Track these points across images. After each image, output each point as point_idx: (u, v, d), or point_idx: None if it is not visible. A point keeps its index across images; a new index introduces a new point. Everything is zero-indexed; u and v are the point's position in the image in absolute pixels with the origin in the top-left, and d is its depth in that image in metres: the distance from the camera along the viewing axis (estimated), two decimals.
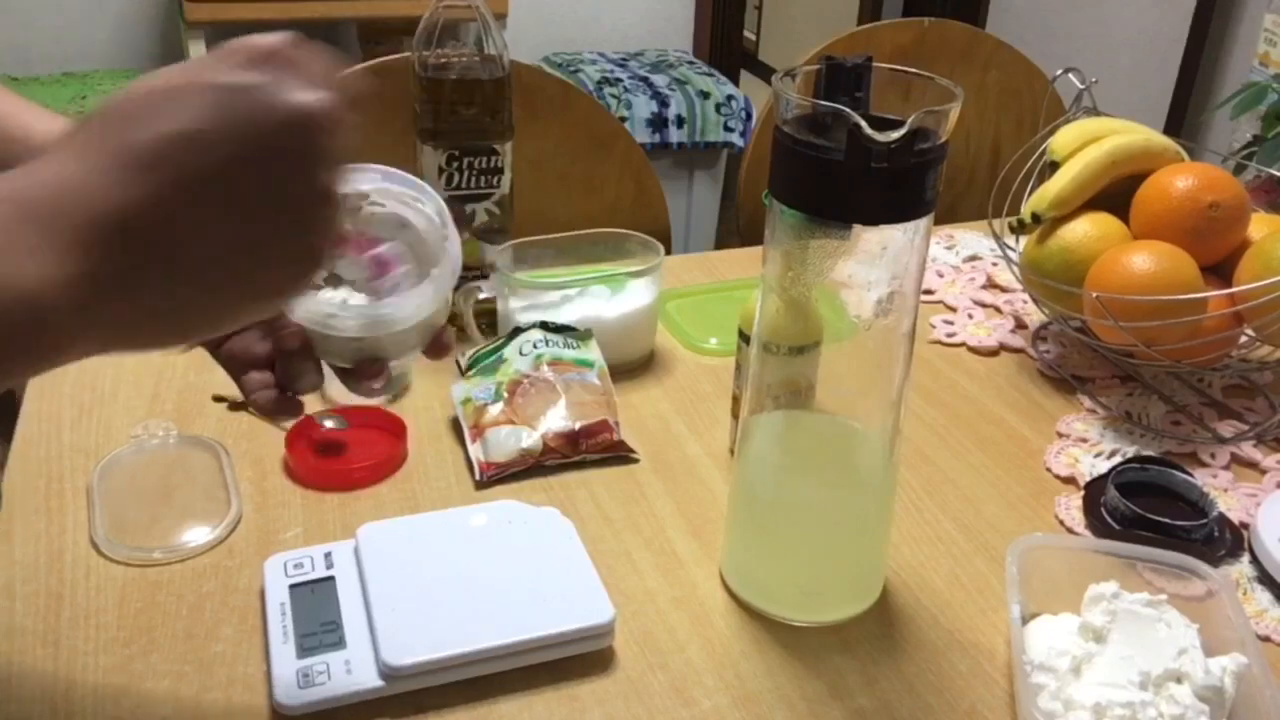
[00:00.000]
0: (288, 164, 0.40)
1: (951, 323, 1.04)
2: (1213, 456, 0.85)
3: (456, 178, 0.91)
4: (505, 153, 0.92)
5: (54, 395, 0.85)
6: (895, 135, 0.52)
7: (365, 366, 0.53)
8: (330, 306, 0.52)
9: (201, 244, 0.40)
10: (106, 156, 0.38)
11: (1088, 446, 0.86)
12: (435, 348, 0.55)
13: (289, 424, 0.64)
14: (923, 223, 0.57)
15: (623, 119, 2.58)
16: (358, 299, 0.53)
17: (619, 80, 2.74)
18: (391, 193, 0.54)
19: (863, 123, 0.52)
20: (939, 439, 0.86)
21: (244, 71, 0.40)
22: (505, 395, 0.82)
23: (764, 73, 4.00)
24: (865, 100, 0.56)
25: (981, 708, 0.62)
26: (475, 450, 0.79)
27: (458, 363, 0.88)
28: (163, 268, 0.39)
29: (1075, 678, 0.60)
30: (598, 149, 1.30)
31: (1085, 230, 0.90)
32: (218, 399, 0.85)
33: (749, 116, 2.74)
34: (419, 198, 0.54)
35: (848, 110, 0.52)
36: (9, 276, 0.36)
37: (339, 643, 0.61)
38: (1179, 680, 0.59)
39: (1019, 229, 0.95)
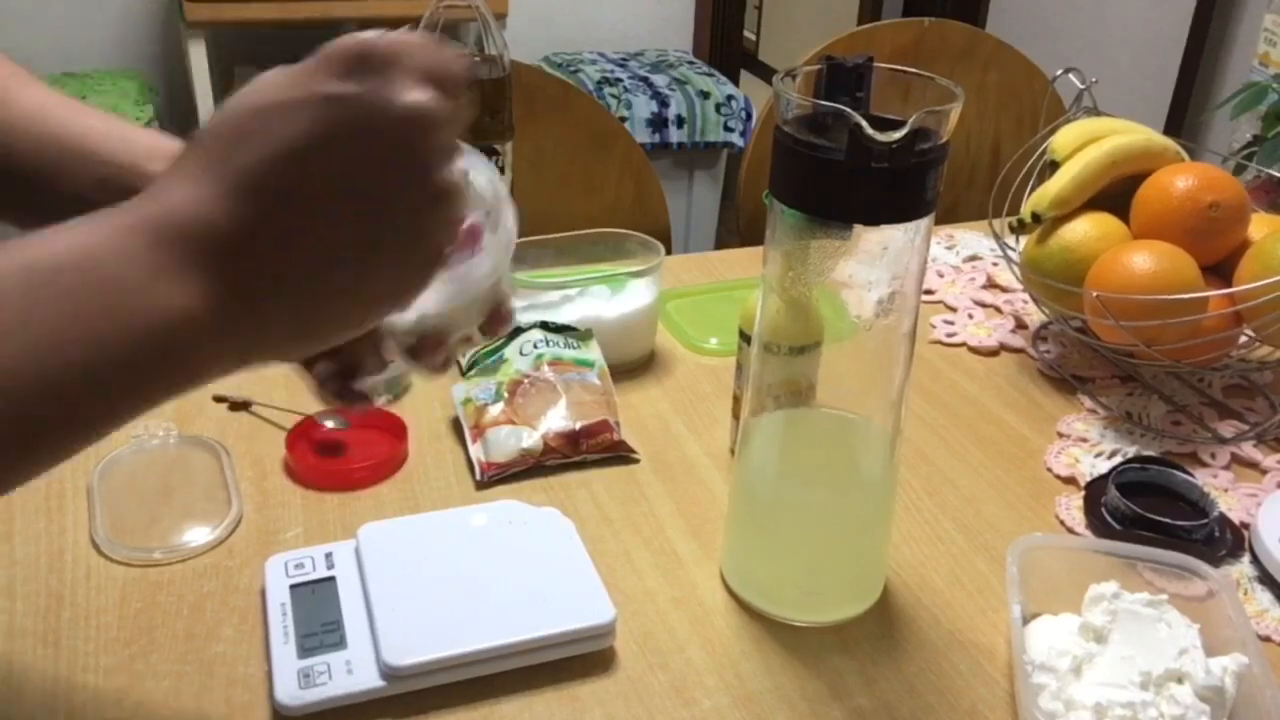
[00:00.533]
0: (398, 170, 0.40)
1: (952, 323, 1.04)
2: (1213, 456, 0.85)
3: None
4: (506, 153, 0.92)
5: None
6: (896, 135, 0.52)
7: (427, 343, 0.52)
8: None
9: (321, 257, 0.40)
10: (219, 180, 0.38)
11: (1088, 446, 0.86)
12: (495, 320, 0.54)
13: (357, 413, 0.62)
14: (923, 223, 0.57)
15: (623, 119, 2.58)
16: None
17: (619, 80, 2.74)
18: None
19: (863, 123, 0.52)
20: (939, 439, 0.86)
21: (344, 79, 0.39)
22: (505, 395, 0.82)
23: (764, 73, 4.00)
24: (866, 100, 0.56)
25: (982, 708, 0.62)
26: (476, 450, 0.79)
27: (458, 363, 0.88)
28: (286, 283, 0.39)
29: (1076, 678, 0.60)
30: (598, 149, 1.30)
31: (1085, 230, 0.90)
32: (218, 399, 0.85)
33: (749, 116, 2.74)
34: (475, 165, 0.53)
35: (849, 110, 0.52)
36: (152, 304, 0.37)
37: (340, 643, 0.61)
38: (1180, 680, 0.59)
39: (1019, 229, 0.95)
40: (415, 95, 0.40)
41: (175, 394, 0.39)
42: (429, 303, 0.51)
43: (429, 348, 0.52)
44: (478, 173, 0.53)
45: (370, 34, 0.40)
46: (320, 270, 0.40)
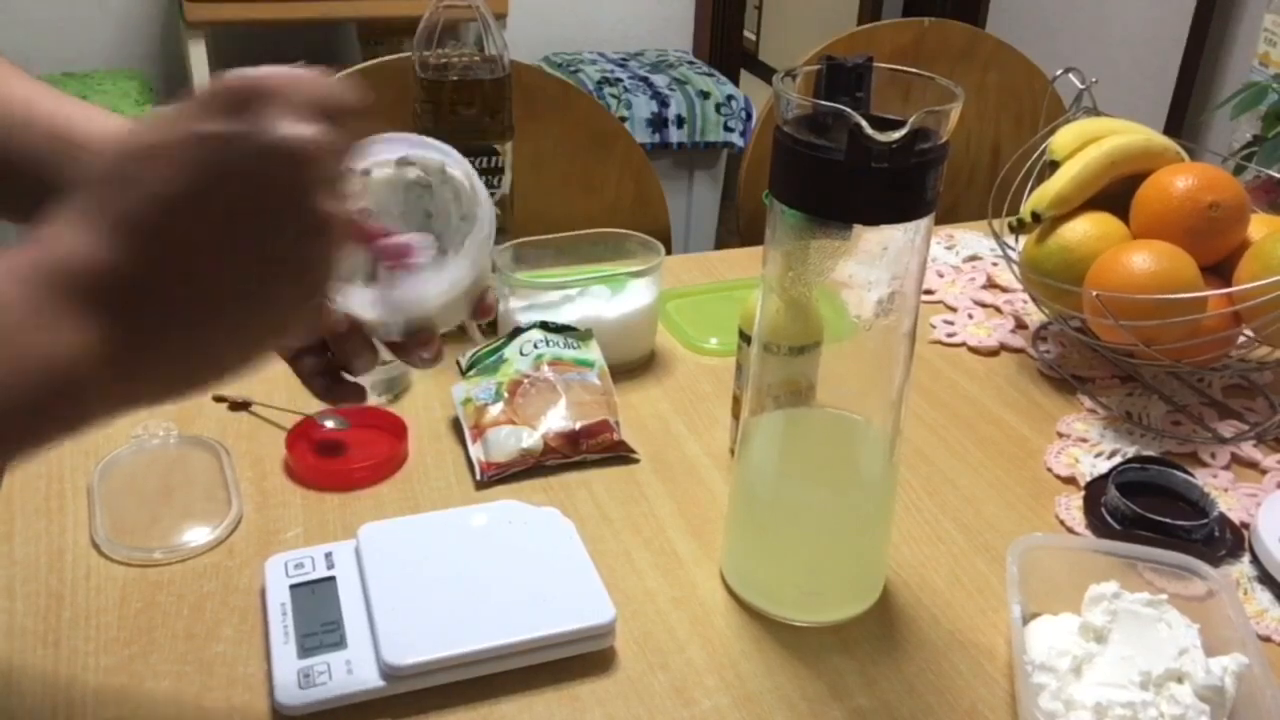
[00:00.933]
0: (277, 203, 0.40)
1: (952, 323, 1.04)
2: (1213, 456, 0.85)
3: None
4: (505, 153, 0.92)
5: None
6: (896, 135, 0.52)
7: (416, 339, 0.53)
8: (364, 306, 0.51)
9: (207, 296, 0.40)
10: (105, 226, 0.39)
11: (1088, 446, 0.86)
12: (480, 312, 0.55)
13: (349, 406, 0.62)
14: (923, 223, 0.57)
15: (623, 119, 2.58)
16: (386, 290, 0.52)
17: (619, 80, 2.74)
18: (418, 159, 0.53)
19: (863, 123, 0.52)
20: (939, 439, 0.86)
21: (224, 118, 0.39)
22: (505, 395, 0.82)
23: (764, 73, 4.00)
24: (866, 100, 0.56)
25: (982, 708, 0.62)
26: (476, 450, 0.79)
27: (458, 363, 0.88)
28: (175, 323, 0.40)
29: (1076, 678, 0.60)
30: (598, 149, 1.30)
31: (1085, 230, 0.90)
32: (218, 399, 0.85)
33: (749, 116, 2.74)
34: (446, 161, 0.54)
35: (848, 110, 0.52)
36: (40, 351, 0.37)
37: (340, 643, 0.61)
38: (1180, 680, 0.59)
39: (1019, 228, 0.95)
40: (287, 129, 0.39)
41: (70, 433, 0.40)
42: (412, 303, 0.51)
43: (418, 344, 0.53)
44: (455, 169, 0.53)
45: (255, 71, 0.40)
46: (207, 308, 0.40)
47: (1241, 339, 0.89)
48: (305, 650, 0.60)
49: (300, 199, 0.40)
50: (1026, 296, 1.04)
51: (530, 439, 0.79)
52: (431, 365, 0.54)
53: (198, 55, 2.38)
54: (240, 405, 0.84)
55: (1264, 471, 0.84)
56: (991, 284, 1.13)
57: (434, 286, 0.52)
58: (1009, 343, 1.01)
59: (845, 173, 0.53)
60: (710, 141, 2.73)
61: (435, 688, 0.60)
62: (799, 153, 0.55)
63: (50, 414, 0.38)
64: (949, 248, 1.21)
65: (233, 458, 0.78)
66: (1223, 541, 0.74)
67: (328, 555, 0.67)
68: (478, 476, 0.78)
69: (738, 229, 1.46)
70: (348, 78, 0.43)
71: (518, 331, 0.87)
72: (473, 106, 0.90)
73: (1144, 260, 0.83)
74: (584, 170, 1.31)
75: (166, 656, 0.62)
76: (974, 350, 1.00)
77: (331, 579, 0.65)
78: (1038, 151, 0.98)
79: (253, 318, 0.42)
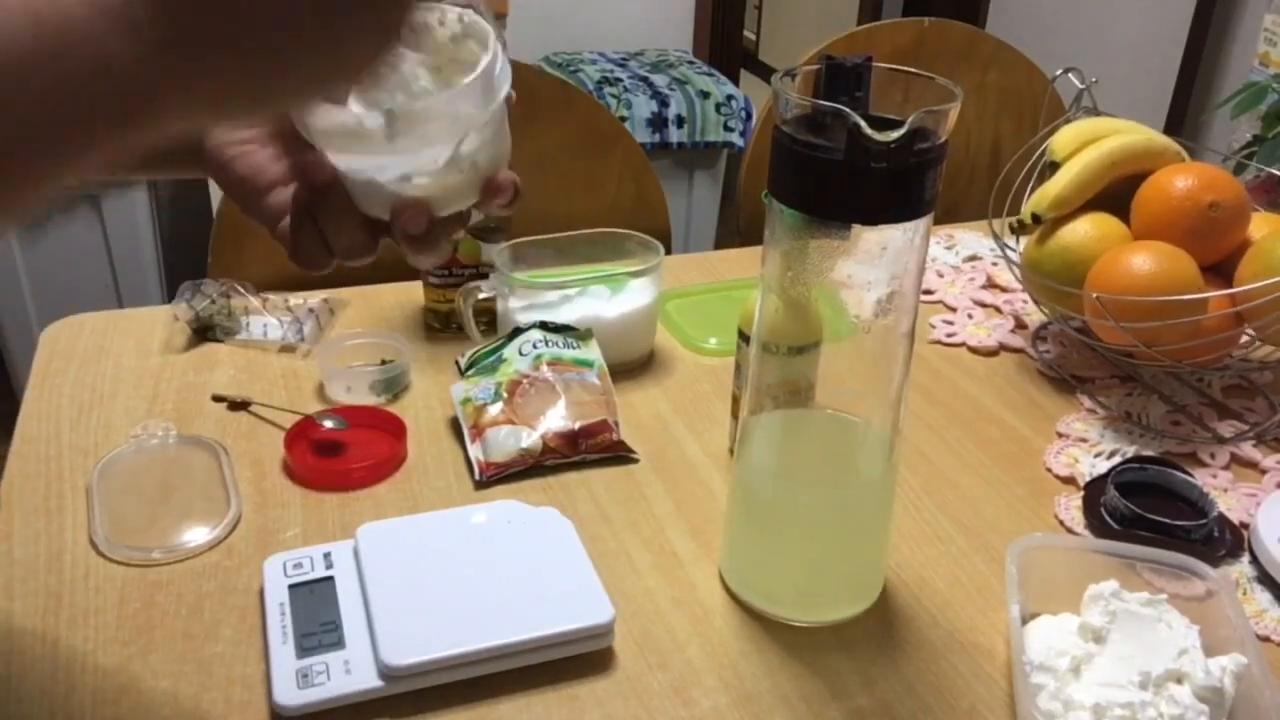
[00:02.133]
0: None
1: (951, 323, 1.04)
2: (1212, 456, 0.85)
3: None
4: None
5: (54, 395, 0.85)
6: (895, 135, 0.52)
7: (408, 212, 0.49)
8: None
9: (268, 13, 0.39)
10: None
11: (1087, 446, 0.86)
12: (492, 191, 0.51)
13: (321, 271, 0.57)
14: (922, 222, 0.57)
15: (623, 119, 2.58)
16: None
17: (619, 80, 2.74)
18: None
19: (862, 122, 0.52)
20: (939, 439, 0.86)
21: None
22: (505, 395, 0.82)
23: (764, 73, 4.00)
24: (865, 100, 0.56)
25: (981, 708, 0.61)
26: (475, 450, 0.79)
27: (457, 363, 0.88)
28: (230, 26, 0.38)
29: (1075, 678, 0.60)
30: (598, 149, 1.30)
31: (1085, 230, 0.90)
32: (217, 399, 0.85)
33: (749, 116, 2.74)
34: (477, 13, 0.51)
35: (847, 110, 0.52)
36: (98, 44, 0.36)
37: (338, 643, 0.61)
38: (1179, 680, 0.59)
39: (1019, 229, 0.95)
40: None
41: (123, 139, 0.38)
42: (402, 157, 0.48)
43: (410, 217, 0.49)
44: (477, 18, 0.50)
45: None
46: (264, 15, 0.39)
47: (1243, 339, 0.89)
48: (304, 650, 0.60)
49: None
50: (1026, 296, 1.04)
51: (529, 439, 0.79)
52: (429, 252, 0.50)
53: None
54: (239, 405, 0.84)
55: (1263, 471, 0.84)
56: (991, 284, 1.13)
57: (417, 137, 0.48)
58: (1009, 343, 1.01)
59: (844, 172, 0.53)
60: (710, 141, 2.73)
61: (434, 688, 0.60)
62: (798, 152, 0.55)
63: (106, 107, 0.37)
64: (949, 248, 1.20)
65: (231, 457, 0.78)
66: (1222, 541, 0.74)
67: (326, 555, 0.67)
68: (477, 476, 0.78)
69: (738, 229, 1.46)
70: None
71: (517, 331, 0.87)
72: None
73: (1144, 261, 0.83)
74: (584, 170, 1.31)
75: (165, 656, 0.62)
76: (974, 350, 1.00)
77: (330, 579, 0.65)
78: (1038, 152, 0.98)
79: (310, 43, 0.40)
